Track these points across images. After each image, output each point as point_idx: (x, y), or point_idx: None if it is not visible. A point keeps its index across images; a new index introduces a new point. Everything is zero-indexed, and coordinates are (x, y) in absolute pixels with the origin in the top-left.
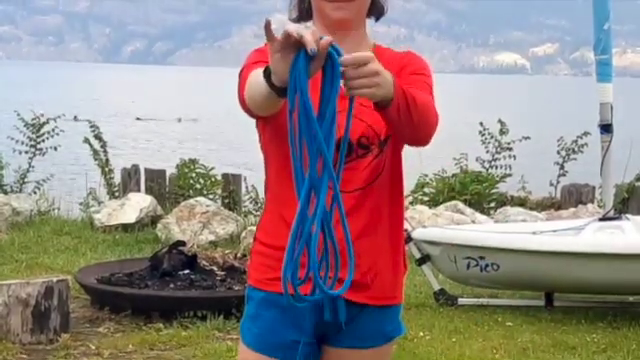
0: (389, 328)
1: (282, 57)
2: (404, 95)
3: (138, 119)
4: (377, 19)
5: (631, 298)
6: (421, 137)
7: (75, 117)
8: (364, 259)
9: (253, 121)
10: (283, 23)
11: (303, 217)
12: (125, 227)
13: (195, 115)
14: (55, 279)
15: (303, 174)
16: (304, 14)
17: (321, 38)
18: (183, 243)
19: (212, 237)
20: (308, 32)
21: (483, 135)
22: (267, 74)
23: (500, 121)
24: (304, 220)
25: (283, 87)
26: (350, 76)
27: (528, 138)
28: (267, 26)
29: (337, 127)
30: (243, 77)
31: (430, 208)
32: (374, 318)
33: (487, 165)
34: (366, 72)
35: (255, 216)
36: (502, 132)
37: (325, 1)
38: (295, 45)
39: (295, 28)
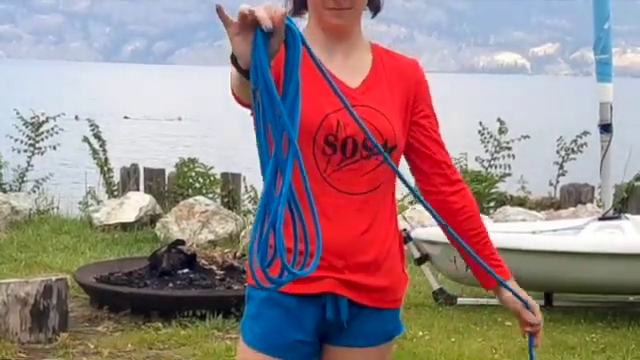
0: (390, 327)
1: (243, 39)
2: None
3: (126, 117)
4: (374, 15)
5: (631, 298)
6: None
7: (76, 117)
8: (365, 262)
9: (252, 120)
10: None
11: (269, 197)
12: (124, 226)
13: (195, 114)
14: (54, 278)
15: (269, 154)
16: (298, 6)
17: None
18: (182, 242)
19: (211, 236)
20: (261, 9)
21: (482, 134)
22: (234, 59)
23: (499, 120)
24: (270, 200)
25: (248, 69)
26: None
27: (527, 137)
28: (219, 10)
29: (343, 125)
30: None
31: None
32: (375, 318)
33: (486, 165)
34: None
35: (254, 215)
36: (501, 131)
37: (324, 8)
38: (252, 25)
39: (248, 7)
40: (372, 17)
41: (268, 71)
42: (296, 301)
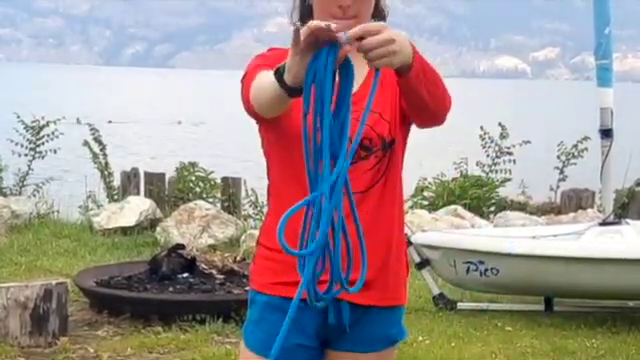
0: (392, 331)
1: (302, 58)
2: (422, 62)
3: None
4: None
5: (631, 303)
6: (438, 112)
7: (77, 120)
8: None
9: (254, 124)
10: (282, 26)
11: (318, 217)
12: (124, 230)
13: (195, 118)
14: (54, 282)
15: (318, 173)
16: (305, 17)
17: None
18: (182, 246)
19: (211, 241)
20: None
21: (483, 139)
22: (279, 73)
23: (500, 125)
24: (320, 221)
25: (294, 87)
26: (365, 48)
27: (528, 142)
28: (296, 32)
29: None
30: (247, 80)
31: (430, 212)
32: (378, 321)
33: (487, 169)
34: (380, 41)
35: (255, 220)
36: (502, 136)
37: (329, 17)
38: (316, 44)
39: (320, 22)
40: None
41: (329, 95)
42: (297, 306)
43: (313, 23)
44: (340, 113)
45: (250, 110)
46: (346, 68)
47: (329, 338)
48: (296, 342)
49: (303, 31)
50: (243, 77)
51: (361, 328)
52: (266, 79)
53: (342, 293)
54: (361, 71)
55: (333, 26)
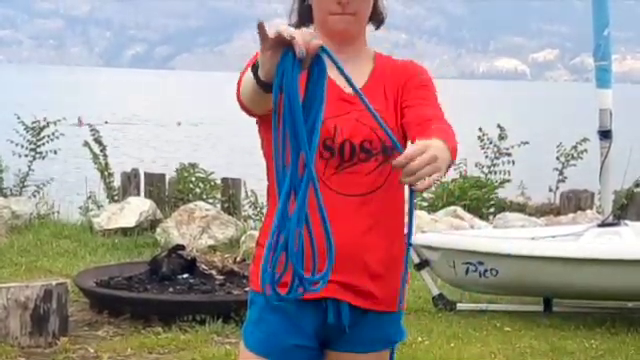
0: (391, 332)
1: (273, 54)
2: (454, 151)
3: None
4: (377, 27)
5: (630, 304)
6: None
7: (79, 119)
8: (366, 264)
9: (254, 125)
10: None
11: (284, 217)
12: (124, 231)
13: (195, 119)
14: (54, 282)
15: (285, 172)
16: (304, 19)
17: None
18: (182, 247)
19: (211, 241)
20: (299, 35)
21: (482, 140)
22: (255, 68)
23: (499, 126)
24: (284, 219)
25: (268, 83)
26: (412, 171)
27: (527, 143)
28: (260, 27)
29: (340, 131)
30: (240, 76)
31: (429, 213)
32: (377, 323)
33: (486, 171)
34: (426, 160)
35: (255, 220)
36: (501, 137)
37: (328, 14)
38: (285, 44)
39: (288, 29)
40: (376, 29)
41: (295, 93)
42: (296, 306)
43: (279, 27)
44: (311, 113)
45: (241, 105)
46: (319, 65)
47: (328, 338)
48: (295, 342)
49: (270, 30)
50: (240, 74)
51: (360, 329)
52: (248, 75)
53: (307, 292)
54: (363, 71)
55: (297, 36)
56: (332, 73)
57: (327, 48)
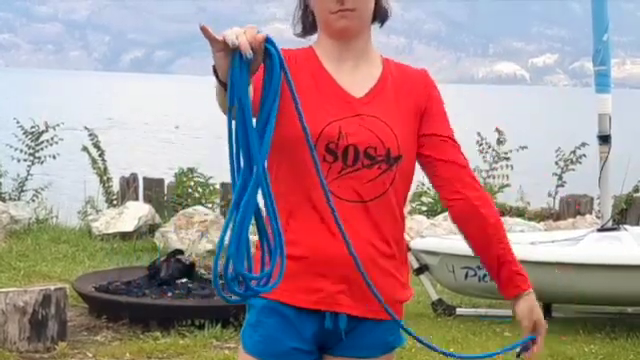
0: (390, 338)
1: (224, 55)
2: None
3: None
4: (381, 24)
5: (629, 309)
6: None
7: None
8: (366, 271)
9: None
10: (281, 32)
11: (235, 213)
12: (123, 235)
13: (194, 123)
14: (53, 287)
15: (237, 171)
16: (308, 27)
17: (258, 32)
18: (181, 252)
19: (210, 246)
20: (243, 35)
21: (480, 145)
22: (215, 70)
23: (497, 130)
24: (235, 216)
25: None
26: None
27: (525, 147)
28: (204, 30)
29: (345, 134)
30: None
31: (428, 218)
32: (375, 330)
33: (485, 175)
34: (543, 335)
35: (253, 225)
36: (499, 142)
37: (329, 13)
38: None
39: (231, 34)
40: (380, 27)
41: (245, 94)
42: (295, 311)
43: (225, 33)
44: (264, 108)
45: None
46: (270, 59)
47: (326, 343)
48: (293, 346)
49: (220, 34)
50: None
51: (358, 335)
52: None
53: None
54: (372, 74)
55: (241, 41)
56: (337, 76)
57: (272, 39)
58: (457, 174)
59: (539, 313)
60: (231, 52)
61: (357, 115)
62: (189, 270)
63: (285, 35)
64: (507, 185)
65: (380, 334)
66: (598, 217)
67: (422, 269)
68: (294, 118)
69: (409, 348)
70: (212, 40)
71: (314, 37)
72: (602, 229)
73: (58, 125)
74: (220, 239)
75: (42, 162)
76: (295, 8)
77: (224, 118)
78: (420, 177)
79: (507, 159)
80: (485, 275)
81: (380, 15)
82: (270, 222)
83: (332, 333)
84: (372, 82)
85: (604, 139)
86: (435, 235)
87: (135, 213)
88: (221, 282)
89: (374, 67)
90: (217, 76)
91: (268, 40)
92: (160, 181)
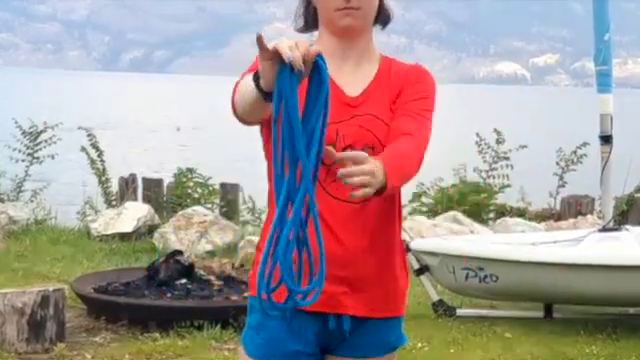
0: (392, 338)
1: (272, 65)
2: (394, 179)
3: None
4: (383, 27)
5: (631, 310)
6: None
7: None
8: (364, 272)
9: (252, 131)
10: (281, 32)
11: (280, 224)
12: (122, 236)
13: (194, 124)
14: (51, 288)
15: (282, 181)
16: (310, 23)
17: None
18: (180, 252)
19: (209, 247)
20: (296, 48)
21: (480, 145)
22: (256, 77)
23: (496, 130)
24: (282, 227)
25: (269, 91)
26: (346, 175)
27: (525, 147)
28: (259, 39)
29: (342, 136)
30: (236, 83)
31: (429, 218)
32: (377, 329)
33: (485, 175)
34: (363, 171)
35: (253, 226)
36: (498, 142)
37: (333, 10)
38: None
39: (285, 46)
40: (382, 29)
41: (294, 106)
42: (297, 313)
43: (278, 44)
44: (310, 121)
45: (235, 114)
46: (319, 74)
47: (329, 344)
48: (296, 348)
49: (270, 44)
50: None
51: (361, 335)
52: (246, 83)
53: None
54: (367, 73)
55: (293, 56)
56: (337, 75)
57: (323, 56)
58: (399, 133)
59: (374, 166)
60: (279, 62)
61: (354, 117)
62: (188, 271)
63: (286, 34)
64: (508, 185)
65: (382, 334)
66: (599, 217)
67: (422, 270)
68: None
69: (409, 349)
70: (263, 49)
71: (314, 37)
72: (603, 229)
73: (57, 125)
74: (269, 246)
75: (41, 162)
76: (298, 3)
77: (224, 118)
78: (420, 177)
79: (507, 159)
80: (486, 276)
81: (382, 17)
82: (316, 235)
83: (335, 333)
84: (368, 80)
85: (605, 139)
86: (435, 236)
87: (134, 214)
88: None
89: (372, 66)
90: (257, 82)
91: (320, 56)
92: (159, 181)
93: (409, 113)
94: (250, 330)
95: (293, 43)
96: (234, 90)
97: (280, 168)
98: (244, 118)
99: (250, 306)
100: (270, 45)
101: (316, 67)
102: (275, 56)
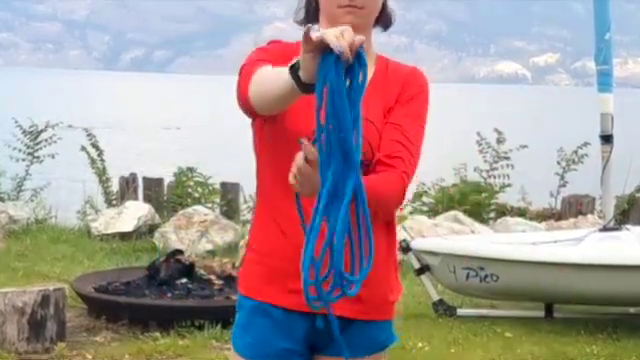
0: (382, 337)
1: (314, 57)
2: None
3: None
4: (385, 29)
5: (631, 309)
6: (379, 216)
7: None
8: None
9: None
10: (281, 32)
11: (326, 212)
12: (122, 236)
13: (194, 123)
14: (52, 288)
15: (328, 170)
16: (311, 16)
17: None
18: (181, 252)
19: (210, 246)
20: (343, 37)
21: (480, 145)
22: (294, 69)
23: (497, 130)
24: (329, 216)
25: (309, 83)
26: None
27: (525, 146)
28: (307, 29)
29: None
30: (245, 74)
31: (429, 218)
32: (366, 330)
33: (485, 175)
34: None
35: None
36: (499, 141)
37: (336, 7)
38: (327, 46)
39: (332, 36)
40: (384, 31)
41: (343, 98)
42: (285, 312)
43: (325, 35)
44: (353, 110)
45: (246, 105)
46: (361, 64)
47: (318, 344)
48: (285, 346)
49: (314, 34)
50: (241, 69)
51: (350, 335)
52: (273, 74)
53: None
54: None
55: (341, 46)
56: None
57: (363, 45)
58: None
59: None
60: (322, 54)
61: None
62: (189, 270)
63: (286, 34)
64: (508, 185)
65: (372, 333)
66: (600, 217)
67: (423, 269)
68: (292, 114)
69: (409, 349)
70: (307, 41)
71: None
72: (604, 229)
73: (57, 124)
74: (308, 244)
75: (41, 161)
76: None
77: (224, 118)
78: (420, 177)
79: (507, 158)
80: (487, 276)
81: (384, 19)
82: (366, 230)
83: (323, 333)
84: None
85: (606, 139)
86: (436, 235)
87: (134, 213)
88: (220, 283)
89: (369, 67)
90: (295, 74)
91: (361, 46)
92: (159, 181)
93: (400, 138)
94: (239, 328)
95: (339, 32)
96: (244, 80)
97: (327, 158)
98: (258, 110)
99: (238, 304)
100: (314, 36)
101: (358, 57)
102: (317, 48)
